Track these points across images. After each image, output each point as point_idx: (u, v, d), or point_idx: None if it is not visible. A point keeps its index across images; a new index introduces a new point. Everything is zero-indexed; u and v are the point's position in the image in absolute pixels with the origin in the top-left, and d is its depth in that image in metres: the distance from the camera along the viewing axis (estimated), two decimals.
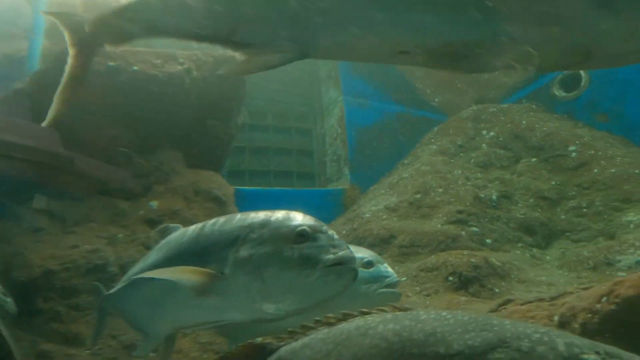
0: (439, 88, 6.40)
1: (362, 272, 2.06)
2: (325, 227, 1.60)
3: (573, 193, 4.28)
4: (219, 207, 3.86)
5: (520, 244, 3.77)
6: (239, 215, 1.72)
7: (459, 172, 4.51)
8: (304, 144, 6.74)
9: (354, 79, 6.39)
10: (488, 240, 3.67)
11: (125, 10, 2.18)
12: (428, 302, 2.78)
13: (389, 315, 1.43)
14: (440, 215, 3.83)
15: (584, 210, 4.10)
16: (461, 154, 4.96)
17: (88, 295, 2.71)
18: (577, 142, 4.72)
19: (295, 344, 1.56)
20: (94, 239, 3.10)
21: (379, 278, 2.17)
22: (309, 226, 1.55)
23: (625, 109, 5.04)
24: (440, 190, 4.20)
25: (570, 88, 5.57)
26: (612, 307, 1.54)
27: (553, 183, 4.41)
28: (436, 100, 6.54)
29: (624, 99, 5.03)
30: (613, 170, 4.26)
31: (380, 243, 3.76)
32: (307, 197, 5.68)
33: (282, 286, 1.52)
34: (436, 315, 1.40)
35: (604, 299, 1.57)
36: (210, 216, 3.87)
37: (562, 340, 1.25)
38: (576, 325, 1.59)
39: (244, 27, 2.02)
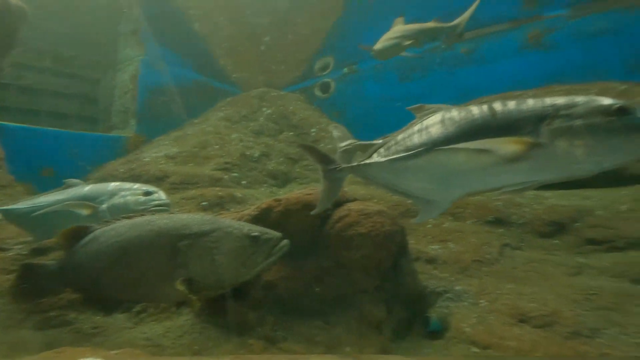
0: (238, 67, 6.68)
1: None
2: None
3: (306, 157, 5.31)
4: None
5: (265, 185, 4.61)
6: (529, 101, 1.56)
7: (236, 135, 5.01)
8: (89, 91, 5.90)
9: (157, 44, 5.95)
10: (244, 182, 4.36)
11: None
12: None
13: (166, 215, 2.08)
14: (211, 164, 4.25)
15: (310, 167, 5.21)
16: (242, 122, 5.43)
17: None
18: (318, 126, 5.88)
19: (107, 227, 1.97)
20: None
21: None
22: (624, 103, 1.40)
23: (348, 111, 6.46)
24: (216, 147, 4.58)
25: (325, 91, 6.80)
26: (257, 212, 2.44)
27: (297, 150, 5.43)
28: (234, 76, 6.77)
29: (348, 105, 6.44)
30: (330, 146, 5.48)
31: (155, 180, 3.87)
32: (85, 140, 5.18)
33: (606, 148, 1.38)
34: (190, 216, 2.06)
35: (255, 209, 2.47)
36: None
37: (247, 227, 2.01)
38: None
39: None
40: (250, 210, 2.50)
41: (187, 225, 1.89)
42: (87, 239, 1.96)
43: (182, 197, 3.64)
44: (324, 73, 6.88)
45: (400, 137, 1.86)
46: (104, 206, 2.52)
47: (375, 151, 2.00)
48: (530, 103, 1.52)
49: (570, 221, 3.21)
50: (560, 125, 1.42)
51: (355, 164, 2.08)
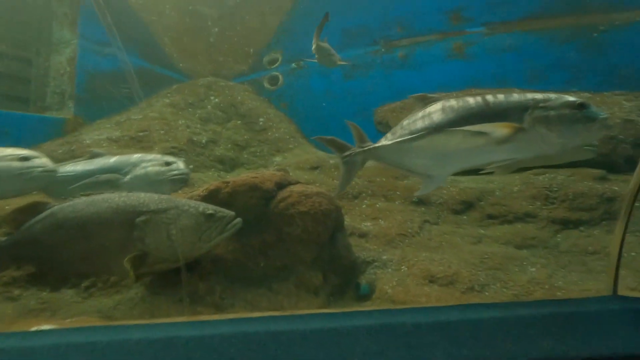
0: (185, 56, 6.49)
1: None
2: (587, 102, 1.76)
3: (254, 144, 5.46)
4: None
5: (213, 169, 4.61)
6: (514, 94, 1.82)
7: (183, 121, 4.90)
8: (19, 71, 5.33)
9: (96, 27, 5.47)
10: (191, 166, 4.29)
11: None
12: None
13: (124, 193, 2.07)
14: (156, 149, 4.09)
15: (257, 153, 5.31)
16: (189, 109, 5.30)
17: None
18: (265, 116, 5.97)
19: (65, 204, 1.95)
20: None
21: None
22: (583, 100, 1.73)
23: (295, 103, 6.61)
24: (162, 132, 4.44)
25: (273, 83, 6.86)
26: (206, 193, 2.54)
27: (245, 137, 5.50)
28: (181, 64, 6.57)
29: (295, 98, 6.59)
30: (277, 135, 5.64)
31: None
32: (17, 120, 4.71)
33: (571, 133, 1.69)
34: (148, 195, 2.07)
35: (204, 190, 2.56)
36: None
37: (202, 205, 2.09)
38: None
39: None
40: (200, 191, 2.59)
41: (144, 203, 1.96)
42: (43, 215, 1.94)
43: None
44: (273, 67, 6.94)
45: (405, 122, 2.07)
46: (128, 177, 2.49)
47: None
48: (516, 97, 1.80)
49: (476, 200, 3.75)
50: (539, 115, 1.69)
51: (366, 147, 2.31)
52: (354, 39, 6.36)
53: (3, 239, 1.94)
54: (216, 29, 6.36)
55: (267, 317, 1.57)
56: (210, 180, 4.23)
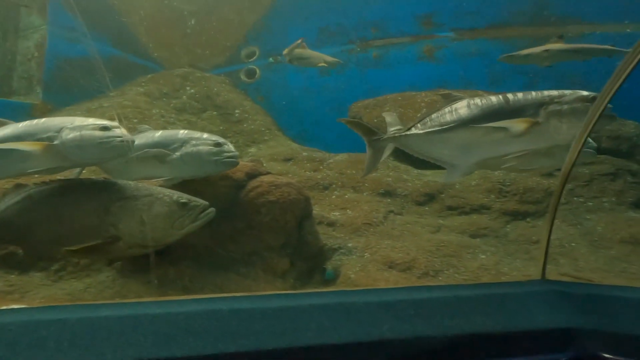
0: (160, 46, 6.31)
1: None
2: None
3: (230, 135, 5.44)
4: None
5: None
6: (532, 93, 1.95)
7: (157, 111, 4.82)
8: None
9: (66, 15, 5.20)
10: None
11: None
12: None
13: (100, 179, 2.07)
14: None
15: (232, 144, 5.25)
16: (164, 99, 5.20)
17: None
18: (241, 108, 5.94)
19: (42, 188, 1.94)
20: None
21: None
22: (596, 94, 1.78)
23: (272, 97, 6.61)
24: (135, 120, 4.35)
25: (250, 76, 6.83)
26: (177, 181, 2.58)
27: (221, 128, 5.47)
28: (156, 54, 6.37)
29: (271, 92, 6.60)
30: (253, 127, 5.65)
31: None
32: None
33: (580, 123, 1.72)
34: (125, 182, 2.09)
35: None
36: None
37: (177, 194, 2.11)
38: None
39: None
40: None
41: (120, 190, 1.99)
42: (20, 197, 1.94)
43: None
44: (250, 60, 6.90)
45: (434, 115, 2.18)
46: (178, 154, 2.40)
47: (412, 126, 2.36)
48: (533, 94, 1.95)
49: (438, 193, 3.97)
50: (553, 109, 1.84)
51: (396, 134, 2.34)
52: (330, 37, 6.45)
53: None
54: (193, 21, 6.24)
55: (230, 296, 1.67)
56: None
